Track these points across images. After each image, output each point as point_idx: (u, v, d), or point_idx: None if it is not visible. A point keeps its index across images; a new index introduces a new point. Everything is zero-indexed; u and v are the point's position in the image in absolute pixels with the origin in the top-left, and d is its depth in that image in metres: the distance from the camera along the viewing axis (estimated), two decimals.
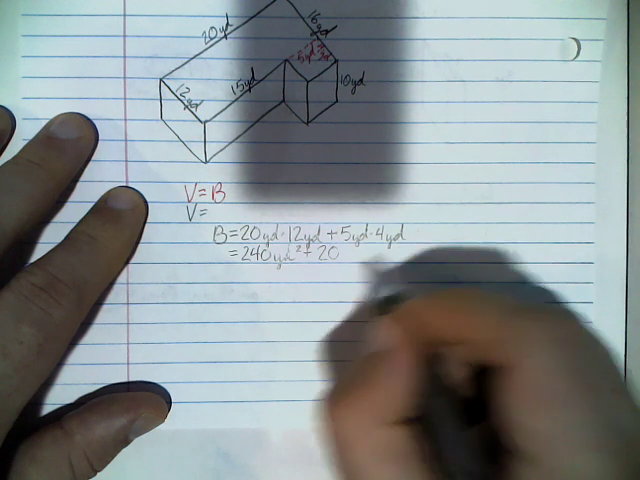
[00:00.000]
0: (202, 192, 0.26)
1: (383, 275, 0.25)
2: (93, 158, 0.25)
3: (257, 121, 0.26)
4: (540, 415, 0.17)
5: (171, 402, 0.26)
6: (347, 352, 0.26)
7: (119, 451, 0.24)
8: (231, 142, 0.26)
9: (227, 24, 0.25)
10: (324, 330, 0.26)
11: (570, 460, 0.16)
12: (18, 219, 0.22)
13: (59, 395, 0.26)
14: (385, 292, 0.23)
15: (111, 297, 0.26)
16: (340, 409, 0.19)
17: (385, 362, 0.19)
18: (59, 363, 0.25)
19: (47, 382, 0.25)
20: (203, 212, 0.26)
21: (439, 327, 0.20)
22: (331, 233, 0.26)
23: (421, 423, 0.19)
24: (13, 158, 0.24)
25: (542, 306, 0.19)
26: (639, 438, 0.17)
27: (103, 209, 0.25)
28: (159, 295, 0.26)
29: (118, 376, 0.26)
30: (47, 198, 0.23)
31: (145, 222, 0.26)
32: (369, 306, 0.26)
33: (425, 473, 0.18)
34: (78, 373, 0.26)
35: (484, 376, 0.19)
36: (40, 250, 0.25)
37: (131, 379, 0.26)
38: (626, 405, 0.17)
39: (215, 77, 0.25)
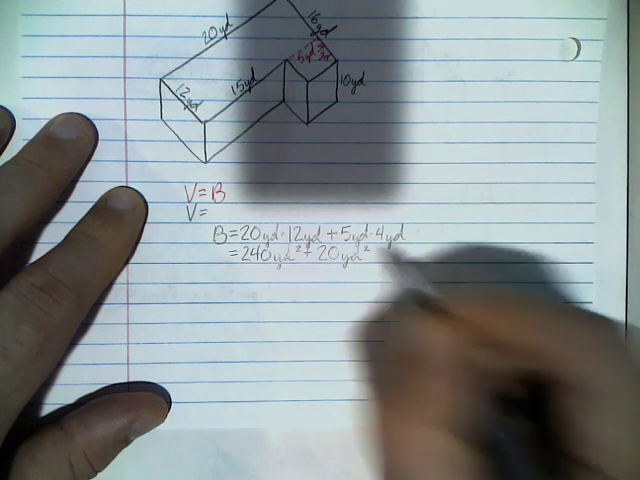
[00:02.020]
0: (202, 192, 0.26)
1: (411, 273, 0.24)
2: (93, 158, 0.25)
3: (257, 121, 0.26)
4: (615, 429, 0.18)
5: (171, 402, 0.26)
6: (347, 352, 0.26)
7: (119, 451, 0.24)
8: (231, 142, 0.26)
9: (227, 24, 0.25)
10: (324, 330, 0.26)
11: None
12: (18, 219, 0.22)
13: (59, 395, 0.26)
14: (418, 291, 0.22)
15: (111, 297, 0.26)
16: (388, 410, 0.19)
17: (432, 365, 0.19)
18: (59, 363, 0.25)
19: (47, 382, 0.25)
20: (203, 212, 0.26)
21: (501, 335, 0.19)
22: (331, 233, 0.26)
23: (486, 447, 0.18)
24: (13, 158, 0.24)
25: (595, 318, 0.20)
26: None
27: (103, 209, 0.25)
28: (159, 295, 0.26)
29: (118, 376, 0.26)
30: (47, 198, 0.23)
31: (145, 222, 0.26)
32: (401, 304, 0.26)
33: None
34: (78, 373, 0.26)
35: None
36: (40, 250, 0.25)
37: (131, 379, 0.26)
38: None
39: (215, 77, 0.25)
